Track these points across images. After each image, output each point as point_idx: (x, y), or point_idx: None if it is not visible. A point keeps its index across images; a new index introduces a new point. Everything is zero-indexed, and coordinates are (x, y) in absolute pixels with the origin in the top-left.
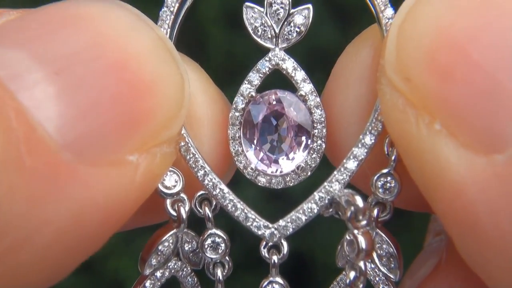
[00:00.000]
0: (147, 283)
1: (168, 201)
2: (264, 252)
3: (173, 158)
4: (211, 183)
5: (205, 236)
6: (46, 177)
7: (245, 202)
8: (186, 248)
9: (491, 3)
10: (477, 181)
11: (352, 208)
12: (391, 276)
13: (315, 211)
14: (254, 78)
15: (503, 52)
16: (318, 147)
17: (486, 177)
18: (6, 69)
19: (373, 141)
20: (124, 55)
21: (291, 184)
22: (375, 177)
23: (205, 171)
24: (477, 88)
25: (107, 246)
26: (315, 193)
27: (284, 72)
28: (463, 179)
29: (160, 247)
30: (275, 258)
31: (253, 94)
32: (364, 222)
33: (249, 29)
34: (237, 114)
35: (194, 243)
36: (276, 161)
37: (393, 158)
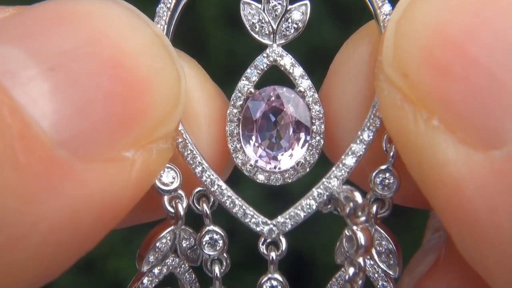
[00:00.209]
0: (145, 280)
1: (166, 198)
2: (262, 248)
3: (170, 154)
4: (209, 180)
5: (203, 232)
6: (41, 174)
7: (244, 200)
8: (184, 245)
9: (488, 1)
10: (475, 177)
11: (351, 204)
12: (390, 273)
13: (314, 207)
14: (252, 74)
15: (501, 48)
16: (317, 143)
17: (484, 173)
18: (0, 65)
19: (371, 137)
20: (120, 51)
21: (290, 181)
22: (374, 174)
23: (203, 168)
24: (475, 84)
25: (107, 246)
26: (313, 189)
27: (282, 68)
28: (461, 175)
29: (157, 244)
30: (273, 254)
31: (252, 90)
32: (363, 218)
33: (247, 25)
34: (235, 110)
35: (192, 239)
36: (275, 158)
37: (391, 154)
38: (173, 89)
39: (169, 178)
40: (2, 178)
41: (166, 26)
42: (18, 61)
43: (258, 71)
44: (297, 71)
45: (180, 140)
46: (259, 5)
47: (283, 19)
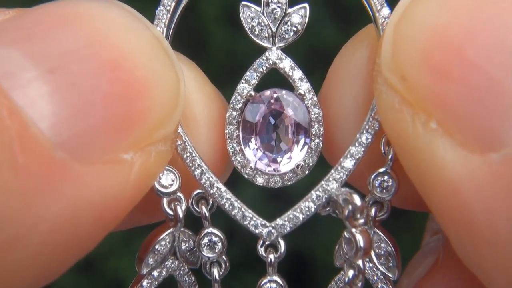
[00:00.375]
0: (144, 282)
1: (165, 200)
2: (261, 250)
3: (169, 157)
4: (208, 182)
5: (202, 235)
6: (40, 176)
7: (244, 202)
8: (183, 247)
9: (486, 4)
10: (473, 180)
11: (350, 206)
12: (390, 275)
13: (313, 209)
14: (251, 77)
15: (499, 51)
16: (316, 146)
17: (482, 176)
18: (0, 67)
19: (370, 140)
20: (119, 54)
21: (289, 183)
22: (372, 176)
23: (202, 170)
24: (473, 87)
25: (107, 246)
26: (312, 191)
27: (281, 71)
28: (459, 178)
29: (157, 246)
30: (271, 257)
31: (251, 93)
32: (361, 221)
33: (246, 28)
34: (234, 113)
35: (191, 242)
36: (274, 160)
37: (390, 157)
38: (172, 91)
39: (168, 180)
40: (1, 179)
41: (165, 28)
42: (18, 63)
43: (257, 74)
44: (297, 74)
45: (179, 142)
46: (259, 8)
47: (282, 22)
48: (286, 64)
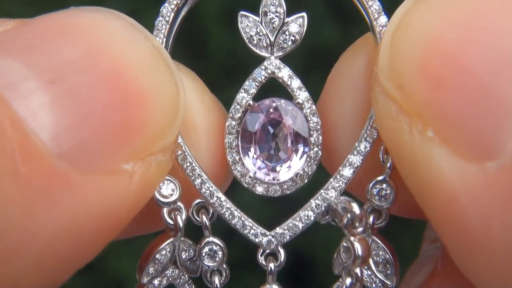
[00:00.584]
0: None
1: (165, 210)
2: (261, 259)
3: (169, 167)
4: (208, 192)
5: (203, 244)
6: (41, 185)
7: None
8: (184, 256)
9: (482, 12)
10: (469, 188)
11: (349, 215)
12: (388, 283)
13: (312, 218)
14: (250, 86)
15: (495, 60)
16: (315, 155)
17: (478, 185)
18: (1, 78)
19: (368, 148)
20: (119, 64)
21: (288, 192)
22: (371, 184)
23: (202, 180)
24: (469, 96)
25: (107, 246)
26: (311, 200)
27: (280, 80)
28: (456, 187)
29: (157, 256)
30: (271, 265)
31: (250, 102)
32: (360, 229)
33: (244, 38)
34: (233, 123)
35: (191, 251)
36: (273, 169)
37: (388, 165)
38: (172, 101)
39: (169, 190)
40: (2, 189)
41: (165, 39)
42: (19, 74)
43: (256, 83)
44: (295, 83)
45: (179, 152)
46: (257, 18)
47: (280, 31)
48: (285, 73)
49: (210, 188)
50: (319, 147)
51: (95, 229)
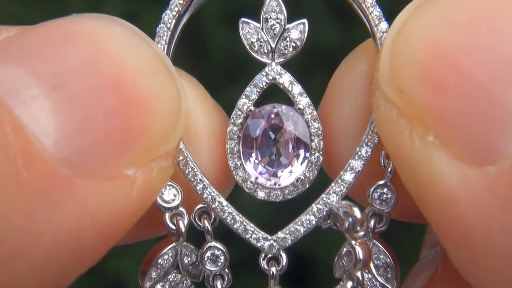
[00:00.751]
0: None
1: (167, 215)
2: (263, 264)
3: (171, 172)
4: (210, 197)
5: (205, 249)
6: (43, 191)
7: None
8: (186, 261)
9: (482, 17)
10: (469, 192)
11: (350, 219)
12: (388, 286)
13: (314, 222)
14: (251, 92)
15: (495, 65)
16: (316, 160)
17: (478, 189)
18: (4, 84)
19: (369, 153)
20: (121, 71)
21: (290, 197)
22: (372, 189)
23: (204, 185)
24: (469, 101)
25: None
26: (313, 205)
27: (281, 86)
28: (456, 191)
29: (159, 261)
30: (273, 269)
31: (251, 108)
32: (361, 233)
33: (246, 44)
34: (235, 128)
35: (193, 256)
36: (275, 174)
37: (389, 169)
38: (173, 107)
39: (171, 195)
40: (5, 194)
41: (166, 46)
42: (21, 80)
43: (257, 89)
44: (296, 89)
45: (181, 158)
46: (258, 24)
47: (281, 38)
48: (286, 79)
49: (212, 193)
50: (320, 152)
51: (97, 234)
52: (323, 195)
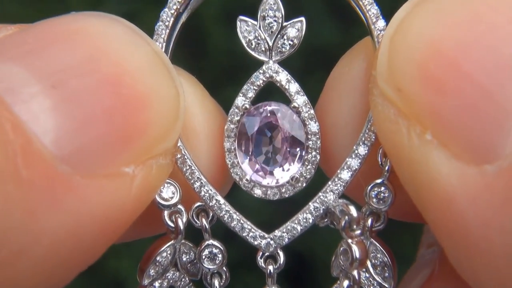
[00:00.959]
0: None
1: (166, 213)
2: (260, 262)
3: (170, 170)
4: (207, 195)
5: (203, 247)
6: (43, 189)
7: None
8: (184, 259)
9: (481, 16)
10: (467, 191)
11: (346, 217)
12: (386, 285)
13: (310, 221)
14: (248, 90)
15: (494, 64)
16: (313, 159)
17: (476, 188)
18: (3, 82)
19: (366, 151)
20: (119, 69)
21: (287, 195)
22: (369, 187)
23: (201, 183)
24: (467, 99)
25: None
26: (310, 203)
27: (278, 84)
28: (454, 189)
29: (158, 258)
30: (271, 268)
31: (247, 106)
32: (358, 232)
33: (243, 42)
34: (232, 126)
35: (191, 253)
36: (271, 173)
37: (386, 168)
38: (172, 105)
39: (169, 193)
40: (5, 193)
41: (164, 44)
42: (20, 78)
43: (254, 87)
44: (293, 87)
45: (179, 156)
46: (255, 22)
47: (279, 36)
48: (283, 78)
49: (209, 191)
50: (317, 151)
51: (96, 232)
52: (320, 194)
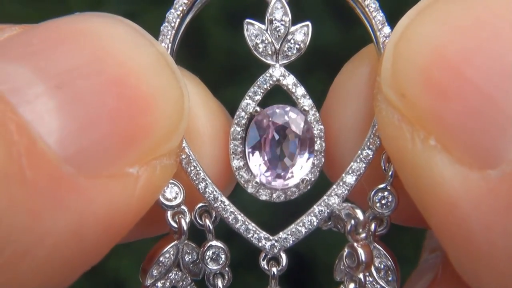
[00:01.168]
0: None
1: (169, 213)
2: (263, 264)
3: (174, 170)
4: (212, 196)
5: (206, 247)
6: (47, 190)
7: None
8: (187, 259)
9: (485, 23)
10: (471, 196)
11: (353, 221)
12: None
13: (315, 224)
14: (256, 93)
15: (497, 71)
16: (318, 161)
17: (479, 192)
18: (7, 83)
19: (371, 156)
20: (124, 70)
21: (292, 198)
22: (373, 192)
23: (206, 184)
24: (471, 105)
25: None
26: (314, 206)
27: (285, 88)
28: (457, 194)
29: (161, 258)
30: (274, 270)
31: (257, 109)
32: (363, 235)
33: (250, 45)
34: (238, 129)
35: (194, 254)
36: (279, 176)
37: (390, 173)
38: (176, 106)
39: (173, 193)
40: (9, 193)
41: (170, 44)
42: (25, 78)
43: (261, 90)
44: (300, 90)
45: (183, 156)
46: (263, 26)
47: (285, 39)
48: (290, 81)
49: (214, 192)
50: (322, 154)
51: (100, 232)
52: (324, 197)
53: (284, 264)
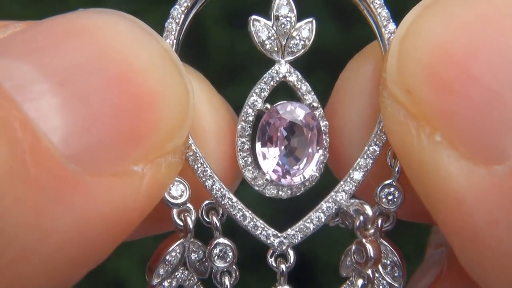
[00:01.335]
0: None
1: (175, 211)
2: (271, 261)
3: (179, 168)
4: (219, 193)
5: (213, 245)
6: (51, 188)
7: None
8: (193, 258)
9: (490, 19)
10: (477, 191)
11: (361, 217)
12: (395, 285)
13: (323, 220)
14: (262, 90)
15: (502, 67)
16: (323, 157)
17: (485, 188)
18: (11, 80)
19: (378, 152)
20: (128, 67)
21: (298, 194)
22: (379, 188)
23: (213, 181)
24: (476, 101)
25: None
26: (322, 202)
27: (291, 84)
28: (463, 190)
29: (167, 257)
30: (283, 266)
31: (267, 106)
32: (372, 231)
33: (256, 41)
34: (245, 125)
35: (200, 252)
36: (288, 172)
37: (396, 169)
38: (181, 103)
39: (178, 191)
40: (13, 192)
41: (175, 40)
42: (29, 76)
43: (268, 87)
44: (304, 87)
45: (190, 153)
46: (269, 22)
47: (290, 36)
48: (295, 78)
49: (222, 190)
50: (327, 150)
51: (105, 231)
52: (332, 193)
53: (292, 261)
